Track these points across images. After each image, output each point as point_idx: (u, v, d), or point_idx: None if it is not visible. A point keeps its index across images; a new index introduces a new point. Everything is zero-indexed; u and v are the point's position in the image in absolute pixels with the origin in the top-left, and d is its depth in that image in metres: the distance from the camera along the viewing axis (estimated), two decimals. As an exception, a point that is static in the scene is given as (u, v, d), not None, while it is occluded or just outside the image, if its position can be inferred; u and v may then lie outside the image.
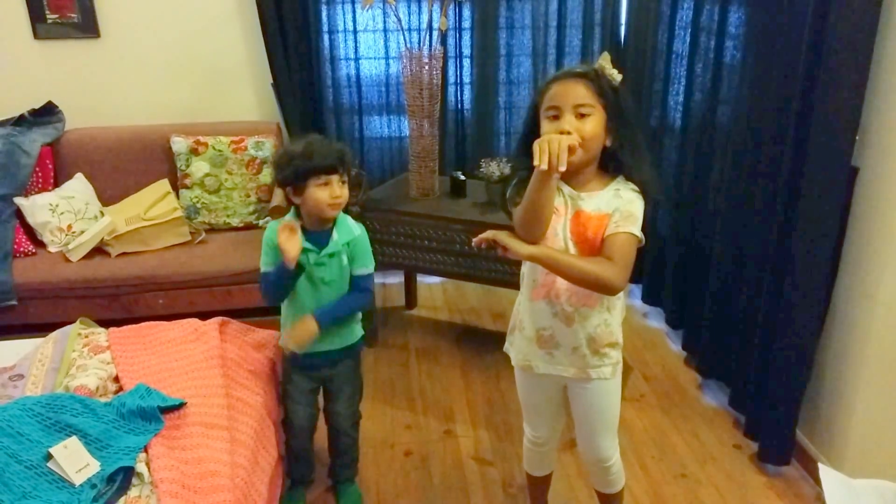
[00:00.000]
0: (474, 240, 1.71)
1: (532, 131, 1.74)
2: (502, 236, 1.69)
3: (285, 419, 2.28)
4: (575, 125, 1.65)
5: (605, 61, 1.71)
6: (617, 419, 1.97)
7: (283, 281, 2.06)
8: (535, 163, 1.55)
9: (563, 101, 1.66)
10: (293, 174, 2.02)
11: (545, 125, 1.69)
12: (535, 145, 1.56)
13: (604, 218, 1.71)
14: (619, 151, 1.72)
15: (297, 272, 2.04)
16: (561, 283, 1.76)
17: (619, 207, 1.70)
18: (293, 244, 1.97)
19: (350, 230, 2.14)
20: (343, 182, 2.06)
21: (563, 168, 1.54)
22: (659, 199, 1.79)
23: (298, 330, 2.07)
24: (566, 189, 1.75)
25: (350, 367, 2.29)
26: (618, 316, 1.85)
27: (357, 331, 2.26)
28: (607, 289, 1.68)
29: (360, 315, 2.27)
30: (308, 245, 2.05)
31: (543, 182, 1.61)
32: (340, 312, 2.15)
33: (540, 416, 2.07)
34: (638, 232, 1.70)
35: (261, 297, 2.95)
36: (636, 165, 1.73)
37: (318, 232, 2.09)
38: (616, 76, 1.70)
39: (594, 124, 1.67)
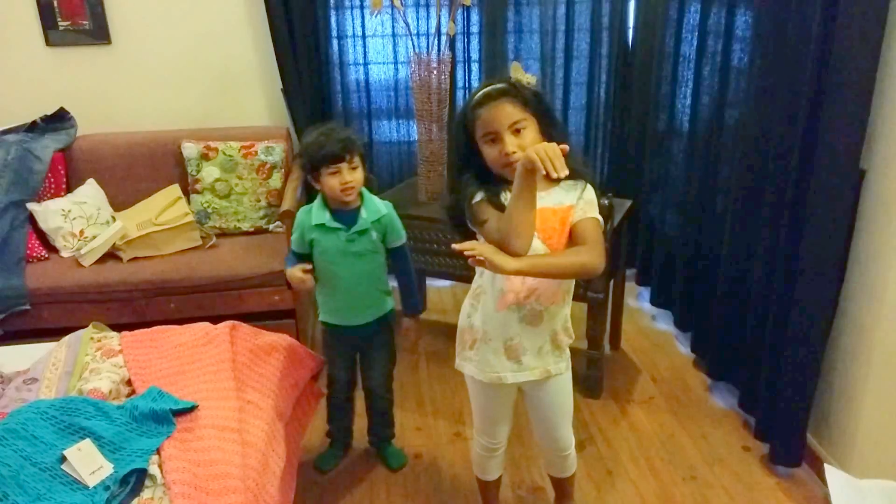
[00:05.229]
0: (455, 246, 1.64)
1: (470, 152, 1.76)
2: (488, 253, 1.62)
3: (328, 377, 2.48)
4: (516, 143, 1.69)
5: (516, 71, 1.75)
6: (572, 409, 2.06)
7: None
8: (542, 171, 1.54)
9: (496, 124, 1.69)
10: (307, 164, 2.15)
11: (487, 150, 1.72)
12: (530, 152, 1.55)
13: (568, 210, 1.77)
14: None
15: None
16: (533, 283, 1.78)
17: (580, 198, 1.77)
18: (304, 284, 2.20)
19: (378, 208, 2.24)
20: (353, 168, 2.14)
21: (564, 173, 1.53)
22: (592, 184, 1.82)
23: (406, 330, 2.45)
24: None
25: (384, 338, 2.44)
26: (568, 309, 1.93)
27: (388, 302, 2.39)
28: (592, 272, 1.71)
29: (388, 287, 2.38)
30: (337, 224, 2.18)
31: (531, 188, 1.62)
32: (411, 284, 2.41)
33: (498, 425, 2.09)
34: (599, 217, 1.78)
35: (271, 301, 3.07)
36: (570, 155, 1.74)
37: (346, 211, 2.19)
38: (532, 81, 1.73)
39: (532, 134, 1.72)
